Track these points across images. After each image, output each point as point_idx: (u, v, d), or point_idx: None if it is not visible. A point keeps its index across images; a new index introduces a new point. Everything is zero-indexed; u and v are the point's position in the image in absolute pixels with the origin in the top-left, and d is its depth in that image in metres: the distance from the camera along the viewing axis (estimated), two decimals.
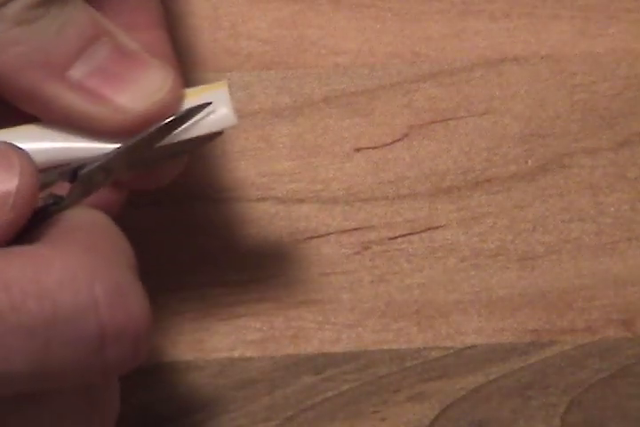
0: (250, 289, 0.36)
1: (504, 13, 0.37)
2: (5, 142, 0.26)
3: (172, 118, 0.27)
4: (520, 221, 0.36)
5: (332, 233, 0.36)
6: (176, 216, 0.36)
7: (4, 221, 0.25)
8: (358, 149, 0.36)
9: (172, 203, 0.36)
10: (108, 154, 0.27)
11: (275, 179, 0.36)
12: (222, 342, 0.35)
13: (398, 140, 0.36)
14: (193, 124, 0.28)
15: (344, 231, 0.36)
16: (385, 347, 0.36)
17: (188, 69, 0.36)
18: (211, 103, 0.28)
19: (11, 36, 0.26)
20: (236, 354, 0.35)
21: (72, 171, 0.27)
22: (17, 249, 0.25)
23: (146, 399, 0.35)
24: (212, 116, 0.28)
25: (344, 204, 0.36)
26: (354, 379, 0.36)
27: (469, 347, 0.36)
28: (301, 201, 0.36)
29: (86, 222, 0.27)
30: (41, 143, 0.28)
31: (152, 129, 0.27)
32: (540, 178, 0.36)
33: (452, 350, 0.36)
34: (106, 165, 0.27)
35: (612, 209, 0.37)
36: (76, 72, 0.27)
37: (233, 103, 0.28)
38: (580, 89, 0.37)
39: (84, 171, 0.27)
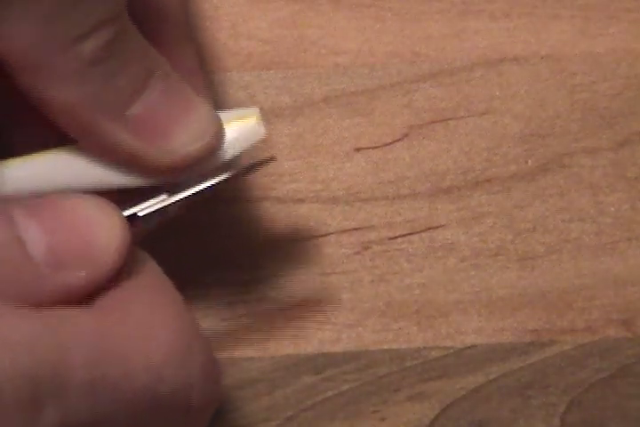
0: (250, 289, 0.36)
1: (504, 13, 0.37)
2: (101, 197, 0.26)
3: (234, 173, 0.28)
4: (520, 221, 0.36)
5: (332, 233, 0.36)
6: (176, 216, 0.36)
7: (98, 275, 0.25)
8: (358, 149, 0.36)
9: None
10: (166, 198, 0.28)
11: (275, 179, 0.36)
12: (222, 342, 0.35)
13: (398, 140, 0.36)
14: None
15: (344, 231, 0.36)
16: (385, 347, 0.36)
17: None
18: (275, 159, 0.29)
19: (83, 75, 0.26)
20: (236, 354, 0.35)
21: (131, 214, 0.27)
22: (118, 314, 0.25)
23: None
24: (245, 134, 0.28)
25: (344, 204, 0.36)
26: (354, 379, 0.36)
27: (469, 347, 0.36)
28: (301, 201, 0.36)
29: (152, 277, 0.27)
30: (82, 169, 0.28)
31: (215, 180, 0.28)
32: (539, 178, 0.36)
33: (451, 350, 0.36)
34: (165, 209, 0.28)
35: (612, 209, 0.37)
36: (134, 111, 0.27)
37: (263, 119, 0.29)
38: (580, 89, 0.37)
39: (144, 213, 0.28)
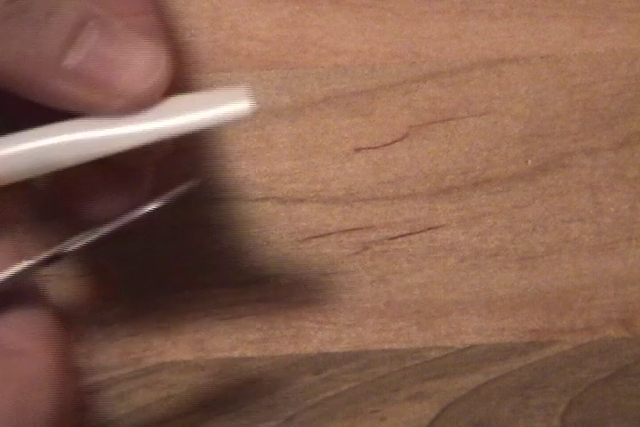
0: (250, 289, 0.36)
1: (504, 13, 0.37)
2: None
3: (158, 206, 0.28)
4: (520, 220, 0.36)
5: (332, 233, 0.36)
6: (176, 216, 0.36)
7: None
8: (358, 149, 0.36)
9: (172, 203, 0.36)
10: (90, 233, 0.28)
11: (275, 179, 0.36)
12: (223, 342, 0.35)
13: (398, 140, 0.36)
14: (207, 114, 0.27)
15: (344, 231, 0.36)
16: (385, 347, 0.36)
17: (188, 70, 0.36)
18: (199, 183, 0.28)
19: (3, 30, 0.26)
20: (237, 354, 0.35)
21: (57, 254, 0.27)
22: None
23: (146, 399, 0.35)
24: (229, 102, 0.27)
25: (344, 204, 0.36)
26: (354, 379, 0.36)
27: (469, 347, 0.36)
28: (301, 201, 0.36)
29: None
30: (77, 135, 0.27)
31: (141, 212, 0.28)
32: (539, 178, 0.36)
33: (451, 350, 0.36)
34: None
35: (612, 209, 0.37)
36: (70, 61, 0.26)
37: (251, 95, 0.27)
38: (580, 89, 0.37)
39: (72, 250, 0.27)
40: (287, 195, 0.36)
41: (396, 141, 0.36)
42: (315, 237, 0.36)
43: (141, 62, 0.27)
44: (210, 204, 0.36)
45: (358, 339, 0.36)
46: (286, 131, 0.36)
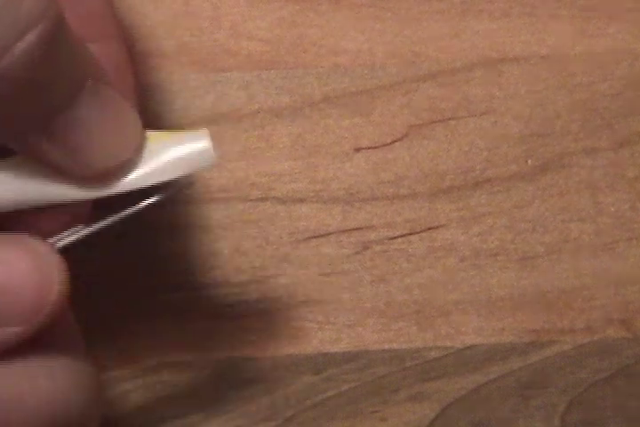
0: (250, 289, 0.36)
1: (504, 13, 0.37)
2: (46, 245, 0.25)
3: (159, 198, 0.27)
4: (520, 220, 0.36)
5: (332, 233, 0.36)
6: (176, 216, 0.36)
7: (26, 332, 0.25)
8: (358, 149, 0.36)
9: (172, 203, 0.36)
10: (83, 228, 0.27)
11: (275, 179, 0.36)
12: (223, 342, 0.35)
13: (398, 140, 0.36)
14: (172, 164, 0.27)
15: (344, 231, 0.36)
16: (385, 347, 0.36)
17: (188, 70, 0.36)
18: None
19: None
20: (237, 354, 0.35)
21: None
22: None
23: (146, 399, 0.35)
24: (193, 156, 0.27)
25: (344, 204, 0.36)
26: (354, 379, 0.36)
27: (469, 347, 0.36)
28: (301, 201, 0.36)
29: None
30: (16, 183, 0.27)
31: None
32: (539, 178, 0.36)
33: (451, 350, 0.36)
34: (82, 238, 0.27)
35: (612, 209, 0.37)
36: (59, 123, 0.25)
37: (214, 145, 0.27)
38: (580, 89, 0.37)
39: (60, 246, 0.27)
40: (287, 195, 0.36)
41: (395, 141, 0.36)
42: (315, 237, 0.36)
43: (120, 138, 0.26)
44: (210, 204, 0.36)
45: (358, 339, 0.36)
46: (286, 131, 0.36)
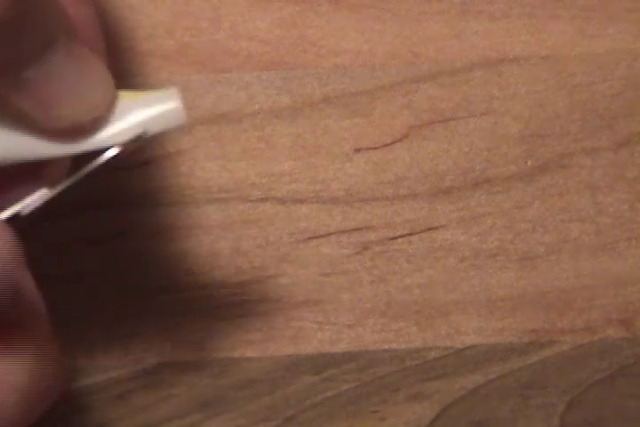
0: (250, 289, 0.36)
1: (504, 13, 0.37)
2: None
3: (114, 154, 0.27)
4: (520, 221, 0.36)
5: (332, 233, 0.36)
6: (177, 217, 0.36)
7: None
8: (358, 150, 0.36)
9: (173, 203, 0.36)
10: (47, 192, 0.27)
11: (275, 179, 0.36)
12: (222, 342, 0.35)
13: (398, 140, 0.36)
14: (140, 122, 0.27)
15: (344, 231, 0.36)
16: (385, 347, 0.36)
17: (188, 70, 0.36)
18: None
19: None
20: (237, 354, 0.35)
21: (14, 214, 0.26)
22: None
23: (146, 399, 0.35)
24: (163, 115, 0.27)
25: (344, 204, 0.36)
26: (354, 379, 0.36)
27: (469, 347, 0.36)
28: (301, 201, 0.36)
29: None
30: None
31: (94, 166, 0.27)
32: (539, 178, 0.36)
33: (451, 350, 0.36)
34: (49, 201, 0.27)
35: (612, 209, 0.37)
36: (30, 74, 0.25)
37: (183, 103, 0.27)
38: (580, 89, 0.37)
39: (27, 211, 0.26)
40: (287, 195, 0.36)
41: (395, 142, 0.36)
42: (315, 237, 0.36)
43: (92, 93, 0.26)
44: (210, 204, 0.36)
45: (358, 339, 0.36)
46: (286, 131, 0.36)
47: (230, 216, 0.36)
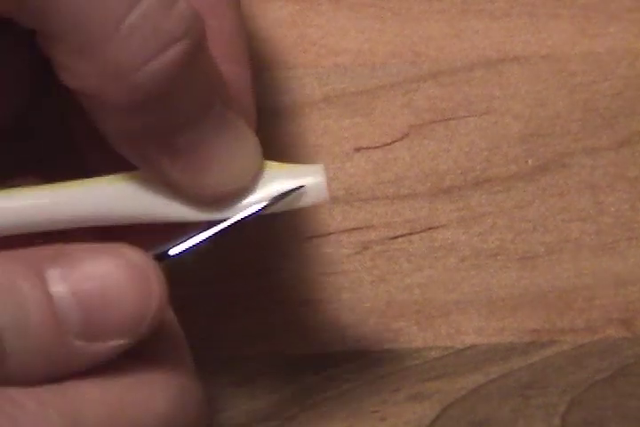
0: (250, 289, 0.36)
1: (504, 13, 0.37)
2: (143, 255, 0.24)
3: (265, 205, 0.27)
4: (520, 220, 0.36)
5: (332, 233, 0.36)
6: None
7: (131, 343, 0.24)
8: (358, 149, 0.36)
9: None
10: (196, 234, 0.27)
11: None
12: (223, 342, 0.35)
13: (398, 140, 0.36)
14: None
15: (344, 231, 0.36)
16: (385, 347, 0.36)
17: None
18: (303, 186, 0.27)
19: (137, 107, 0.24)
20: (236, 353, 0.35)
21: (163, 253, 0.26)
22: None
23: None
24: (304, 192, 0.27)
25: (344, 203, 0.36)
26: (354, 379, 0.36)
27: (469, 347, 0.36)
28: None
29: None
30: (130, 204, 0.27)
31: (245, 215, 0.27)
32: (539, 178, 0.36)
33: (451, 350, 0.36)
34: (197, 246, 0.27)
35: (613, 209, 0.37)
36: (182, 140, 0.25)
37: (328, 182, 0.27)
38: (580, 88, 0.37)
39: (174, 253, 0.26)
40: None
41: (396, 141, 0.36)
42: (315, 237, 0.36)
43: (240, 162, 0.26)
44: None
45: (358, 339, 0.36)
46: (286, 131, 0.36)
47: None
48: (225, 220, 0.27)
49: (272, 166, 0.27)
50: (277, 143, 0.36)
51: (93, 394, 0.24)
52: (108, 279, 0.24)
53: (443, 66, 0.37)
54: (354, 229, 0.36)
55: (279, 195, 0.27)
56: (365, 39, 0.37)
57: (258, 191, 0.27)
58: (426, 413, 0.35)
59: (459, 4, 0.37)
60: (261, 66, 0.36)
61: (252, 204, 0.27)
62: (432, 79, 0.37)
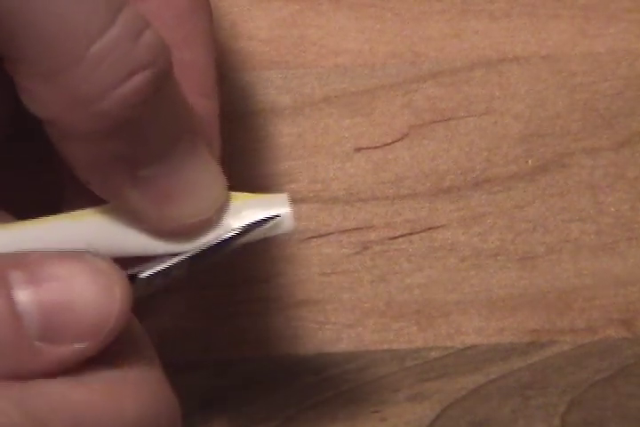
0: (250, 289, 0.36)
1: (504, 13, 0.37)
2: (106, 260, 0.24)
3: (236, 233, 0.27)
4: (520, 220, 0.36)
5: (332, 233, 0.36)
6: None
7: (93, 348, 0.24)
8: (358, 149, 0.36)
9: None
10: (165, 260, 0.26)
11: (275, 179, 0.36)
12: (222, 342, 0.35)
13: (398, 140, 0.36)
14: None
15: (344, 231, 0.36)
16: (385, 347, 0.36)
17: None
18: (278, 216, 0.27)
19: (102, 135, 0.24)
20: (236, 354, 0.35)
21: (130, 276, 0.26)
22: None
23: None
24: (271, 221, 0.27)
25: (344, 204, 0.36)
26: (354, 379, 0.36)
27: (469, 347, 0.36)
28: (301, 201, 0.36)
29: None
30: (103, 237, 0.27)
31: (217, 241, 0.27)
32: (539, 178, 0.36)
33: (451, 350, 0.36)
34: (166, 271, 0.26)
35: (613, 209, 0.37)
36: (149, 172, 0.25)
37: (292, 211, 0.27)
38: (581, 89, 0.37)
39: (143, 276, 0.26)
40: None
41: (396, 141, 0.36)
42: (315, 237, 0.36)
43: (206, 194, 0.26)
44: None
45: (358, 339, 0.36)
46: (286, 131, 0.36)
47: None
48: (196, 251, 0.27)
49: (237, 197, 0.27)
50: (277, 143, 0.36)
51: (58, 394, 0.24)
52: (71, 282, 0.24)
53: (443, 66, 0.37)
54: (354, 229, 0.36)
55: (246, 226, 0.27)
56: (365, 39, 0.37)
57: (224, 223, 0.27)
58: (426, 413, 0.35)
59: (459, 5, 0.37)
60: (261, 66, 0.36)
61: (220, 235, 0.27)
62: (432, 79, 0.37)
